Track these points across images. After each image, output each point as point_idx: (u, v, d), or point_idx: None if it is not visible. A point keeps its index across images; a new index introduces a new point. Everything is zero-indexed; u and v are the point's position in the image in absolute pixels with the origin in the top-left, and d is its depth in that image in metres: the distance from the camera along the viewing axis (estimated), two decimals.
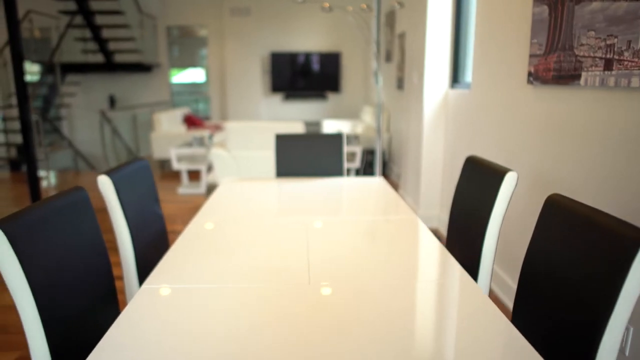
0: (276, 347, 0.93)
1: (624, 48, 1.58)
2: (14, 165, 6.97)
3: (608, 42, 1.65)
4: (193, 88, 9.29)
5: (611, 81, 1.65)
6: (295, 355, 0.91)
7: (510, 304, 2.52)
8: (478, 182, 1.67)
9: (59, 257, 1.14)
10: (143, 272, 1.63)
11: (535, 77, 2.19)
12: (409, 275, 1.28)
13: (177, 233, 3.81)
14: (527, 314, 1.25)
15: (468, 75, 3.48)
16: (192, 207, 4.65)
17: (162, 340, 0.96)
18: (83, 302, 1.21)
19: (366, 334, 0.98)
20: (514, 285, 2.51)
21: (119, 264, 2.96)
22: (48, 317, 1.04)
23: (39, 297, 1.03)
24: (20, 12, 6.31)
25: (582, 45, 1.81)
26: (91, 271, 1.27)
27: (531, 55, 2.22)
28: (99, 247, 1.34)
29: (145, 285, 1.21)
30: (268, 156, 4.55)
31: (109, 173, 1.52)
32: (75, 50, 7.99)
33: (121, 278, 2.75)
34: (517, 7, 2.43)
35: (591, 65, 1.76)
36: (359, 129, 6.39)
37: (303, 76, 8.64)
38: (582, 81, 1.82)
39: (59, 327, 1.08)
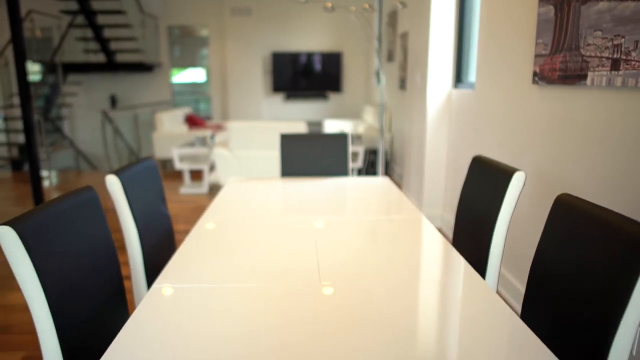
0: (292, 348, 0.93)
1: (631, 48, 1.58)
2: (15, 165, 6.97)
3: (615, 42, 1.66)
4: (193, 88, 9.29)
5: (618, 81, 1.65)
6: (310, 355, 0.91)
7: (515, 305, 2.52)
8: (485, 182, 1.67)
9: (70, 256, 1.14)
10: (150, 272, 1.63)
11: (541, 77, 2.19)
12: (417, 273, 1.28)
13: (180, 233, 3.81)
14: (536, 314, 1.25)
15: (472, 75, 3.48)
16: (195, 207, 4.65)
17: (174, 342, 0.96)
18: (94, 301, 1.21)
19: (377, 333, 0.98)
20: (519, 286, 2.51)
21: (125, 264, 2.96)
22: (59, 316, 1.05)
23: (51, 296, 1.03)
24: (22, 11, 6.31)
25: (588, 45, 1.81)
26: (101, 271, 1.28)
27: (536, 55, 2.22)
28: (108, 246, 1.34)
29: (155, 285, 1.21)
30: (270, 156, 4.56)
31: (117, 173, 1.52)
32: (76, 50, 7.99)
33: (128, 278, 2.75)
34: (522, 7, 2.43)
35: (598, 65, 1.76)
36: (361, 129, 6.39)
37: (304, 76, 8.64)
38: (588, 81, 1.82)
39: (70, 327, 1.08)
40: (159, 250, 1.75)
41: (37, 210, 1.09)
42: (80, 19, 7.55)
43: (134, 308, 1.65)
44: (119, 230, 3.68)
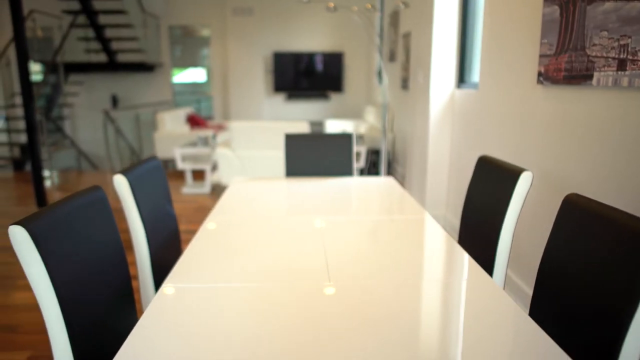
0: (302, 348, 0.94)
1: (638, 48, 1.58)
2: (17, 164, 6.97)
3: (621, 42, 1.66)
4: (194, 88, 9.30)
5: (625, 81, 1.65)
6: (319, 354, 0.91)
7: (520, 306, 2.52)
8: (492, 182, 1.67)
9: (79, 256, 1.15)
10: (157, 272, 1.63)
11: (546, 77, 2.19)
12: (424, 272, 1.28)
13: (183, 233, 3.82)
14: (544, 313, 1.26)
15: (475, 75, 3.48)
16: (197, 207, 4.66)
17: (184, 343, 0.96)
18: (103, 301, 1.21)
19: (385, 332, 0.99)
20: (522, 286, 2.51)
21: (132, 264, 2.96)
22: (70, 315, 1.05)
23: (61, 296, 1.03)
24: (24, 11, 6.29)
25: (594, 45, 1.82)
26: (110, 271, 1.28)
27: (541, 55, 2.22)
28: (117, 246, 1.34)
29: (164, 286, 1.21)
30: (273, 156, 4.56)
31: (124, 172, 1.52)
32: (78, 49, 7.99)
33: (135, 277, 2.75)
34: (527, 7, 2.43)
35: (604, 65, 1.76)
36: (362, 129, 6.39)
37: (306, 76, 8.64)
38: (594, 81, 1.82)
39: (79, 326, 1.08)
40: (166, 251, 1.76)
41: (47, 210, 1.09)
42: (81, 19, 7.55)
43: (141, 308, 1.66)
44: (124, 230, 3.68)
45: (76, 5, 7.36)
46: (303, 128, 4.43)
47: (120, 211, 4.18)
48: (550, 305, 1.23)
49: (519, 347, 0.94)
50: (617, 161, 1.76)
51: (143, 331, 0.99)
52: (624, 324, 0.95)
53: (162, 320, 1.04)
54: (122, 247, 1.37)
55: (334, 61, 8.59)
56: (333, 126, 7.06)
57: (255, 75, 8.49)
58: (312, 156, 2.59)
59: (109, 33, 7.79)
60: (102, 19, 7.63)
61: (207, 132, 6.23)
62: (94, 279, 1.19)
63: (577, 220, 1.17)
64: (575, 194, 1.23)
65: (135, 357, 0.90)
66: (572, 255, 1.16)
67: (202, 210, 4.53)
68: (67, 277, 1.07)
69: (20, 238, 0.96)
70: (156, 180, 1.77)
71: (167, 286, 1.20)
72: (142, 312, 1.54)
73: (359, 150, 5.00)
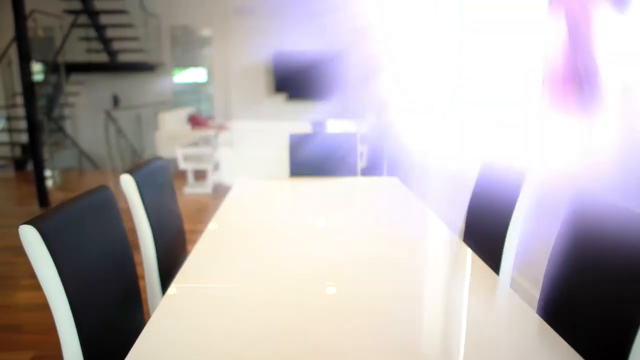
0: (309, 347, 0.94)
1: None
2: (18, 164, 6.97)
3: None
4: (195, 87, 9.29)
5: None
6: (325, 354, 0.91)
7: None
8: (497, 183, 1.67)
9: (88, 256, 1.14)
10: (163, 272, 1.63)
11: (549, 77, 2.19)
12: (431, 271, 1.28)
13: (186, 232, 3.81)
14: (552, 315, 1.25)
15: (477, 75, 3.48)
16: (199, 207, 4.65)
17: (192, 343, 0.96)
18: (112, 301, 1.21)
19: (391, 331, 0.98)
20: (529, 288, 2.51)
21: (139, 264, 2.96)
22: (80, 316, 1.04)
23: (72, 296, 1.03)
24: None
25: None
26: (119, 271, 1.28)
27: (545, 56, 2.22)
28: (125, 246, 1.34)
29: (171, 287, 1.21)
30: (274, 155, 4.56)
31: (131, 172, 1.52)
32: (79, 49, 7.98)
33: (141, 277, 2.75)
34: (531, 8, 2.43)
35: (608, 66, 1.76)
36: (364, 129, 6.39)
37: (307, 76, 8.64)
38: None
39: (88, 326, 1.08)
40: (172, 251, 1.76)
41: (56, 209, 1.09)
42: (83, 19, 7.55)
43: (147, 308, 1.66)
44: (129, 229, 3.68)
45: (77, 5, 7.35)
46: (305, 128, 4.43)
47: (124, 211, 4.18)
48: (558, 306, 1.23)
49: (527, 346, 0.94)
50: (622, 161, 1.76)
51: (151, 334, 0.99)
52: (633, 325, 0.95)
53: (170, 322, 1.04)
54: (129, 248, 1.37)
55: (335, 61, 8.57)
56: (335, 126, 7.05)
57: (256, 75, 8.49)
58: (316, 156, 2.59)
59: (110, 33, 7.79)
60: (103, 19, 7.63)
61: (208, 132, 6.23)
62: (103, 279, 1.19)
63: (585, 219, 1.17)
64: (582, 194, 1.23)
65: (144, 357, 0.90)
66: (580, 255, 1.16)
67: (204, 210, 4.53)
68: (77, 278, 1.07)
69: (30, 238, 0.96)
70: (162, 179, 1.77)
71: (175, 288, 1.20)
72: (149, 313, 1.55)
73: (361, 150, 5.00)
